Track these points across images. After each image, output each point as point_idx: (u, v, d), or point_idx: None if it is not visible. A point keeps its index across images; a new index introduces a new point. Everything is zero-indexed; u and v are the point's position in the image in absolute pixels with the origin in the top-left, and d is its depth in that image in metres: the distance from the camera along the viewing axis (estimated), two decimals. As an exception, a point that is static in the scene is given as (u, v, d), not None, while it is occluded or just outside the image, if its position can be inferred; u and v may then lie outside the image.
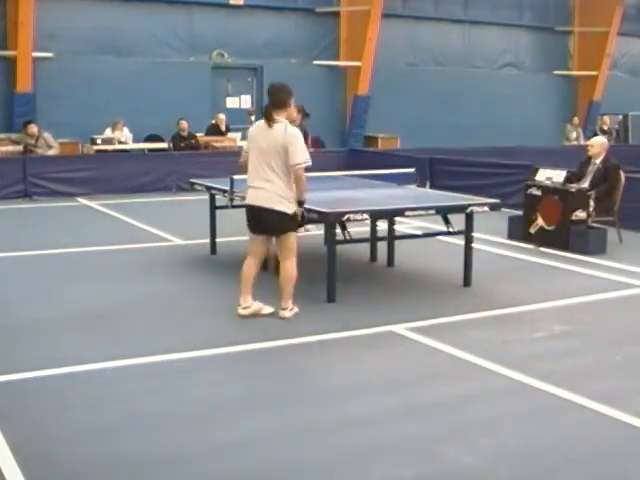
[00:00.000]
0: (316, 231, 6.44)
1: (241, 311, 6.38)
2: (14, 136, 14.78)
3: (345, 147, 17.86)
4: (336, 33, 19.32)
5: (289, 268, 6.33)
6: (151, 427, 4.36)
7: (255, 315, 6.38)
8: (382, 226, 8.49)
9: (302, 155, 6.05)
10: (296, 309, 6.43)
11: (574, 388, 4.87)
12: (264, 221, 6.27)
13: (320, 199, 6.57)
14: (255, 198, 6.25)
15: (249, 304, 6.40)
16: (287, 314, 6.35)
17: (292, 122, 6.31)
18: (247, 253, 6.52)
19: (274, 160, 6.09)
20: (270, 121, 6.13)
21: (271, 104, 6.17)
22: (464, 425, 4.40)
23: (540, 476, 3.87)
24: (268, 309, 6.44)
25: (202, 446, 4.10)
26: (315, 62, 19.02)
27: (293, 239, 6.30)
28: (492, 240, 9.62)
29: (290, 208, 6.14)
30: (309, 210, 6.70)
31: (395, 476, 3.82)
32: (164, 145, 15.91)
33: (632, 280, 7.80)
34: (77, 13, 16.27)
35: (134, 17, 16.94)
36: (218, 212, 8.74)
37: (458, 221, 7.45)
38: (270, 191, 6.12)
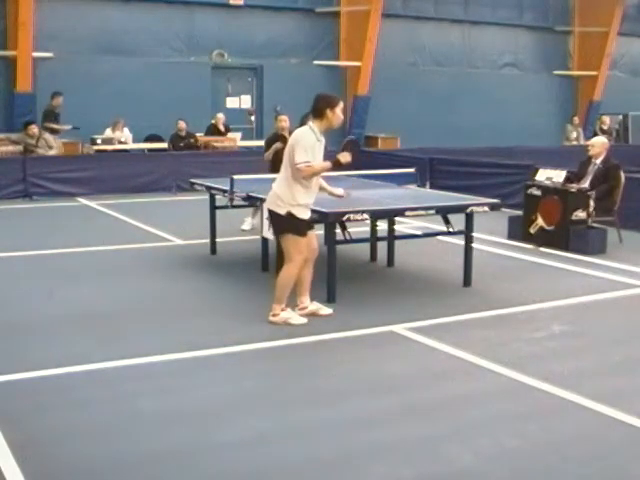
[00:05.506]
0: (316, 231, 6.45)
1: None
2: (14, 136, 14.77)
3: (345, 147, 17.85)
4: (336, 33, 19.33)
5: (283, 272, 6.23)
6: (151, 427, 4.37)
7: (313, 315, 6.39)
8: (382, 226, 8.50)
9: (299, 156, 6.01)
10: (287, 316, 6.22)
11: (574, 388, 4.87)
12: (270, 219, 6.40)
13: (320, 199, 6.56)
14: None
15: (305, 304, 6.43)
16: (271, 319, 6.20)
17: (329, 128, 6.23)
18: None
19: (285, 161, 6.18)
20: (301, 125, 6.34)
21: (311, 112, 6.29)
22: (464, 425, 4.40)
23: (539, 476, 3.87)
24: (325, 310, 6.48)
25: (202, 446, 4.10)
26: (315, 62, 19.03)
27: (289, 242, 6.16)
28: (492, 240, 9.62)
29: (282, 209, 6.07)
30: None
31: (395, 476, 3.81)
32: (164, 145, 15.91)
33: (632, 280, 7.80)
34: (77, 13, 16.30)
35: (134, 17, 16.97)
36: (218, 212, 8.76)
37: (458, 221, 7.45)
38: (273, 191, 6.20)
